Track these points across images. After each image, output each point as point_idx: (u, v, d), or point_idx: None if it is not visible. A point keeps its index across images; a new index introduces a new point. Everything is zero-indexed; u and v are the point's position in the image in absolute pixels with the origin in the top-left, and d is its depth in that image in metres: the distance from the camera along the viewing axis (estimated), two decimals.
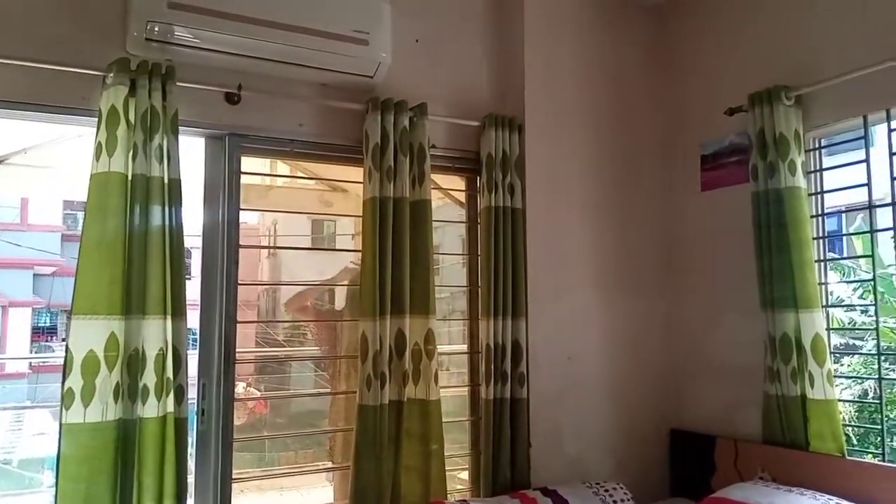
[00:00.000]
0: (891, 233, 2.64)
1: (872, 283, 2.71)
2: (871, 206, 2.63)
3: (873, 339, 2.85)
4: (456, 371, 3.23)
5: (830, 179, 2.85)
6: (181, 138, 2.38)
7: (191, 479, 2.43)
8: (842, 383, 5.34)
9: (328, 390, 3.14)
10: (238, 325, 2.59)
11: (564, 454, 3.05)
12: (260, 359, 3.61)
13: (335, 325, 3.22)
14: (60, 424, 2.11)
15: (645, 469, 3.23)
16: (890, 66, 2.41)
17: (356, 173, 2.80)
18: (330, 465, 3.03)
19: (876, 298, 2.66)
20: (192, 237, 2.60)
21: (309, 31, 2.53)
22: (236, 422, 2.58)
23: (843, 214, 6.51)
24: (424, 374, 2.70)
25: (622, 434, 3.21)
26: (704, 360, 3.20)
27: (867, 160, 2.62)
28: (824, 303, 2.73)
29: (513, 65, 3.16)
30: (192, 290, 2.48)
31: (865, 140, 2.64)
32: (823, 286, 2.77)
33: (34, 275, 15.70)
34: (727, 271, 3.07)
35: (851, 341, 6.02)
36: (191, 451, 2.45)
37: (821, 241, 2.82)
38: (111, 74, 2.25)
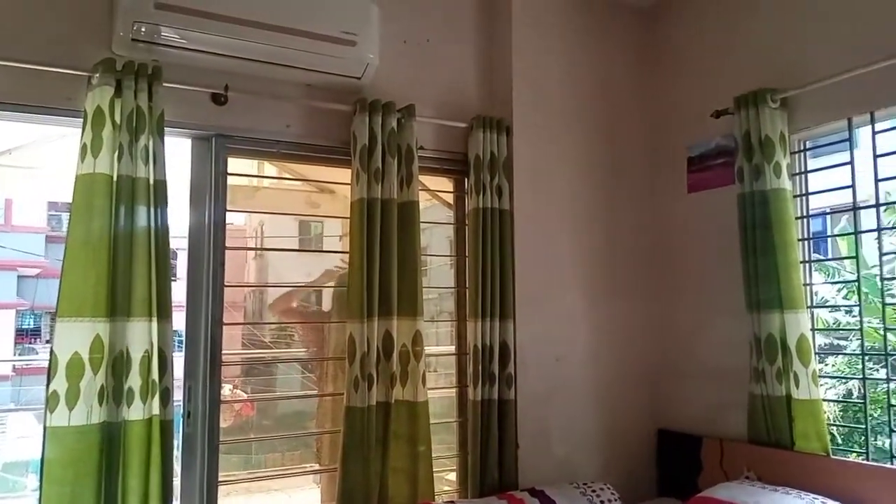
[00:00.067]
0: (875, 234, 2.67)
1: (857, 283, 2.74)
2: (855, 208, 2.66)
3: (857, 339, 2.87)
4: (444, 372, 3.23)
5: (815, 181, 2.87)
6: (167, 139, 2.36)
7: (177, 482, 2.41)
8: (826, 383, 5.39)
9: (315, 392, 3.13)
10: (224, 326, 2.58)
11: (552, 455, 3.05)
12: (246, 360, 3.59)
13: (322, 327, 3.21)
14: (45, 427, 2.10)
15: (632, 469, 3.24)
16: (874, 70, 2.43)
17: (343, 174, 2.79)
18: (317, 466, 3.02)
19: (860, 299, 2.68)
20: (178, 238, 2.59)
21: (296, 32, 2.52)
22: (222, 424, 2.57)
23: (828, 216, 6.56)
24: (412, 376, 2.70)
25: (609, 434, 3.22)
26: (691, 360, 3.21)
27: (851, 162, 2.65)
28: (809, 303, 2.76)
29: (501, 66, 3.17)
30: (178, 291, 2.46)
31: (850, 142, 2.66)
32: (808, 287, 2.79)
33: (18, 276, 15.58)
34: (713, 272, 3.09)
35: (836, 341, 6.07)
36: (176, 453, 2.43)
37: (806, 242, 2.84)
38: (97, 75, 2.23)
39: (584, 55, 3.34)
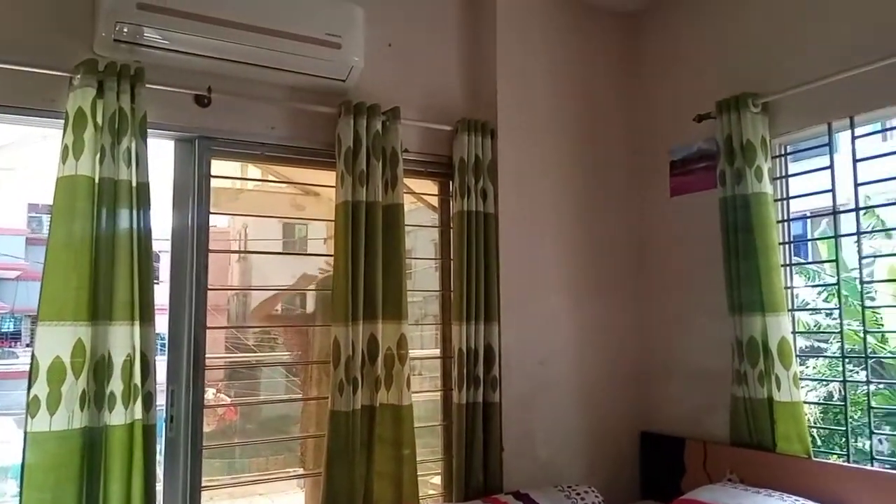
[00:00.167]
0: (854, 238, 2.70)
1: (837, 286, 2.76)
2: (835, 212, 2.68)
3: (838, 341, 2.90)
4: (428, 375, 3.22)
5: (796, 185, 2.90)
6: (150, 141, 2.35)
7: (159, 487, 2.40)
8: (807, 385, 5.43)
9: (300, 396, 3.11)
10: (208, 330, 2.56)
11: (537, 458, 3.06)
12: (230, 364, 3.56)
13: (307, 330, 3.20)
14: (25, 433, 2.07)
15: (616, 471, 3.25)
16: (853, 75, 2.47)
17: (328, 177, 2.78)
18: (301, 471, 3.00)
19: (840, 302, 2.71)
20: (161, 241, 2.57)
21: (281, 34, 2.51)
22: (206, 428, 2.55)
23: (808, 220, 6.62)
24: (397, 380, 2.69)
25: (593, 437, 3.23)
26: (674, 363, 3.23)
27: (831, 167, 2.68)
28: (790, 306, 2.78)
29: (485, 69, 3.18)
30: (161, 294, 2.44)
31: (830, 147, 2.70)
32: (790, 290, 2.82)
33: None
34: (696, 276, 3.12)
35: (816, 343, 6.13)
36: (159, 458, 2.41)
37: (786, 245, 2.87)
38: (78, 76, 2.21)
39: (568, 59, 3.36)
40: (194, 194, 2.58)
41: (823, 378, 5.77)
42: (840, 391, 3.37)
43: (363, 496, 2.61)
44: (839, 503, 2.41)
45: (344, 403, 2.57)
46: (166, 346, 2.53)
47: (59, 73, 2.24)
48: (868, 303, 3.39)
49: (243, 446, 3.11)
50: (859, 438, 4.17)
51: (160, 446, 2.42)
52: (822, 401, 5.81)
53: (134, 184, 2.26)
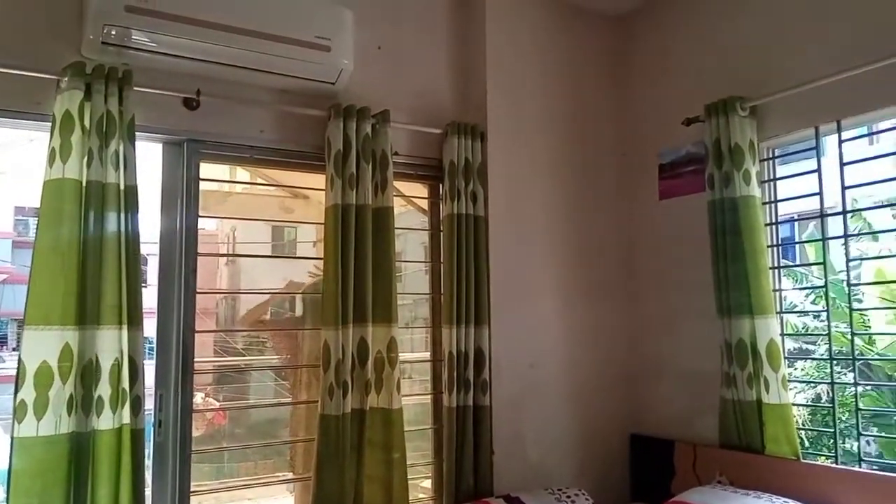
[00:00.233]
0: (842, 240, 2.72)
1: (825, 289, 2.78)
2: (822, 215, 2.70)
3: (825, 343, 2.92)
4: (419, 379, 3.22)
5: (783, 188, 2.92)
6: (138, 144, 2.33)
7: (148, 492, 2.37)
8: (795, 387, 5.46)
9: (289, 400, 3.10)
10: (196, 334, 2.55)
11: (527, 461, 3.06)
12: (219, 368, 3.55)
13: (296, 334, 3.19)
14: (12, 438, 2.05)
15: (606, 474, 3.26)
16: (840, 80, 2.49)
17: (317, 180, 2.78)
18: (291, 475, 2.99)
19: (828, 304, 2.72)
20: (149, 244, 2.55)
21: (270, 37, 2.50)
22: (194, 433, 2.53)
23: (796, 222, 6.67)
24: (387, 383, 2.69)
25: (584, 439, 3.23)
26: (663, 365, 3.24)
27: (819, 170, 2.70)
28: (778, 309, 2.80)
29: (475, 73, 3.18)
30: (149, 298, 2.43)
31: (817, 150, 2.72)
32: (777, 293, 2.83)
33: None
34: (685, 279, 3.13)
35: (804, 345, 6.17)
36: (147, 463, 2.39)
37: (775, 248, 2.89)
38: (66, 78, 2.19)
39: (557, 62, 3.37)
40: (183, 197, 2.56)
41: (811, 380, 5.81)
42: (828, 393, 3.39)
43: (353, 500, 2.60)
44: None
45: (334, 407, 2.56)
46: (154, 349, 2.51)
47: (46, 76, 2.22)
48: (855, 305, 3.42)
49: (232, 451, 3.09)
50: (847, 440, 4.20)
51: (148, 451, 2.40)
52: (810, 402, 5.85)
53: (122, 187, 2.25)
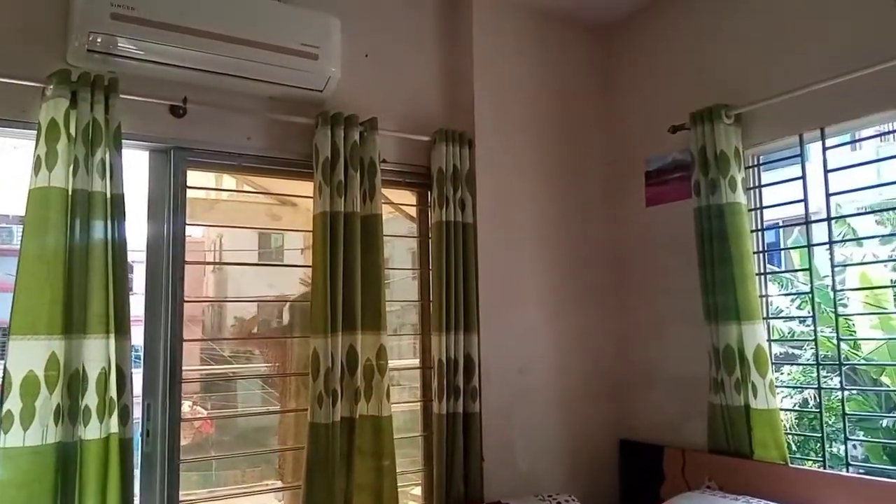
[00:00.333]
0: (826, 246, 2.74)
1: (810, 294, 2.80)
2: (807, 221, 2.73)
3: (812, 348, 2.94)
4: (407, 385, 3.21)
5: (768, 195, 2.94)
6: (124, 151, 2.32)
7: (136, 502, 2.35)
8: (782, 392, 5.50)
9: (278, 408, 3.09)
10: (184, 342, 2.53)
11: (517, 467, 3.06)
12: (207, 377, 3.52)
13: (284, 342, 3.17)
14: None
15: (596, 479, 3.26)
16: (823, 87, 2.51)
17: (304, 187, 2.77)
18: (280, 483, 2.97)
19: (814, 309, 2.74)
20: (136, 252, 2.54)
21: (257, 45, 2.50)
22: (182, 442, 2.51)
23: (781, 229, 6.72)
24: (376, 391, 2.68)
25: (573, 445, 3.24)
26: (652, 370, 3.26)
27: (803, 177, 2.72)
28: (765, 314, 2.82)
29: (462, 80, 3.19)
30: (136, 306, 2.41)
31: (801, 157, 2.74)
32: (764, 298, 2.85)
33: None
34: (672, 285, 3.14)
35: (791, 350, 6.21)
36: (136, 472, 2.37)
37: (760, 254, 2.91)
38: (51, 86, 2.18)
39: (544, 70, 3.38)
40: (170, 205, 2.55)
41: (798, 385, 5.85)
42: (815, 397, 3.41)
43: None
44: None
45: (323, 416, 2.55)
46: (142, 358, 2.49)
47: (31, 84, 2.21)
48: (841, 310, 3.44)
49: (220, 459, 3.06)
50: (834, 444, 4.23)
51: (136, 461, 2.38)
52: (797, 407, 5.88)
53: (108, 195, 2.23)
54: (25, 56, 2.30)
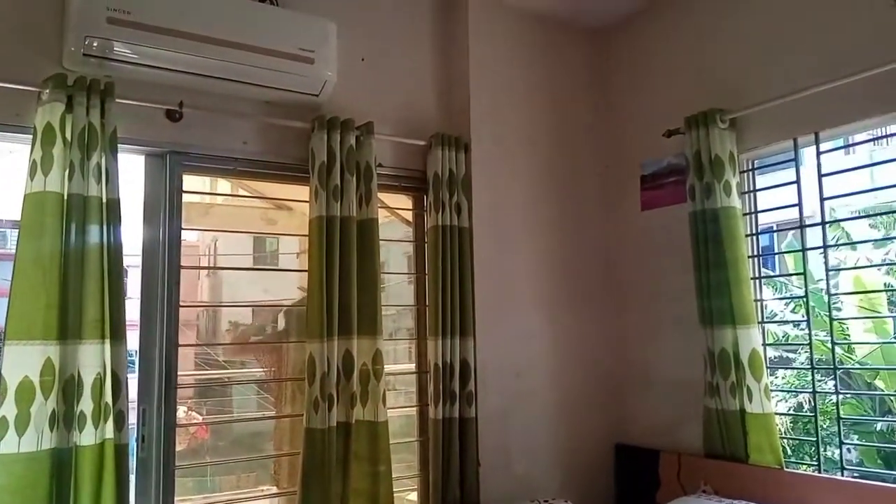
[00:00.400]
0: (821, 250, 2.75)
1: (805, 298, 2.81)
2: (801, 226, 2.73)
3: (806, 352, 2.95)
4: (404, 390, 3.21)
5: (763, 199, 2.95)
6: (120, 156, 2.31)
7: None
8: (777, 396, 5.50)
9: (273, 413, 3.08)
10: (179, 347, 2.52)
11: (513, 472, 3.05)
12: (202, 382, 3.51)
13: (279, 347, 3.17)
14: None
15: (591, 484, 3.26)
16: (817, 92, 2.53)
17: (300, 192, 2.77)
18: (275, 489, 2.96)
19: (808, 313, 2.75)
20: (132, 256, 2.53)
21: (253, 49, 2.50)
22: (177, 447, 2.50)
23: (775, 233, 6.75)
24: (372, 396, 2.67)
25: (569, 450, 3.23)
26: (648, 375, 3.26)
27: (798, 181, 2.73)
28: (760, 318, 2.82)
29: (458, 84, 3.20)
30: (131, 310, 2.40)
31: (796, 162, 2.75)
32: (759, 302, 2.86)
33: None
34: (668, 289, 3.15)
35: (785, 354, 6.22)
36: (131, 478, 2.36)
37: (755, 258, 2.92)
38: (47, 90, 2.18)
39: (540, 74, 3.39)
40: (165, 209, 2.55)
41: (793, 389, 5.86)
42: (809, 401, 3.42)
43: None
44: None
45: (319, 421, 2.54)
46: (137, 363, 2.48)
47: (26, 88, 2.20)
48: (835, 314, 3.45)
49: (216, 465, 3.05)
50: (828, 448, 4.24)
51: (131, 466, 2.37)
52: (792, 411, 5.90)
53: (104, 200, 2.23)
54: (21, 60, 2.29)
